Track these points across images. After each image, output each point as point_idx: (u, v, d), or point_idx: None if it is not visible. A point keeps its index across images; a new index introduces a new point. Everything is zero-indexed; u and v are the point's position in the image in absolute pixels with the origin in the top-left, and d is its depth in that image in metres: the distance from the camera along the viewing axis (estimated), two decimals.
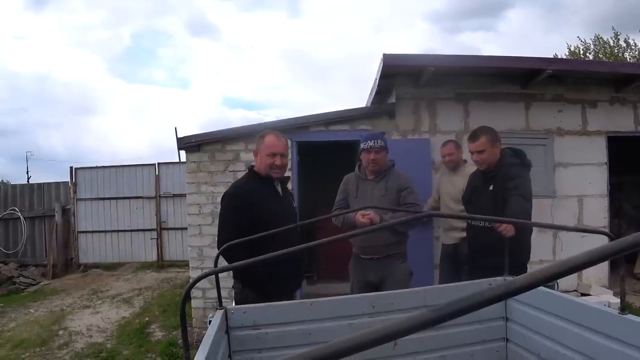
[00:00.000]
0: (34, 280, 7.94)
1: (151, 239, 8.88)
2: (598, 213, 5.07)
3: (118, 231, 8.95)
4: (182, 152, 5.65)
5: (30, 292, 7.34)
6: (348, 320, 1.95)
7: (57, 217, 8.67)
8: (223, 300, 1.92)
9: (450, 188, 3.96)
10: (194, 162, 4.97)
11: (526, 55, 5.36)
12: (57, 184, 9.16)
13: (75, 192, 8.86)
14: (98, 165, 9.40)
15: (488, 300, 0.56)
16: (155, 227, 8.85)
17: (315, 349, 0.50)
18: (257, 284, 2.46)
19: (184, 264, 7.60)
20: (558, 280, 1.44)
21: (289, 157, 3.13)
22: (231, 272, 3.50)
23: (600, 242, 2.19)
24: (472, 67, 4.79)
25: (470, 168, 3.57)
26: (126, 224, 8.97)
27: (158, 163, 9.02)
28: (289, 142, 2.93)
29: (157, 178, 8.91)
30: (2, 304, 6.47)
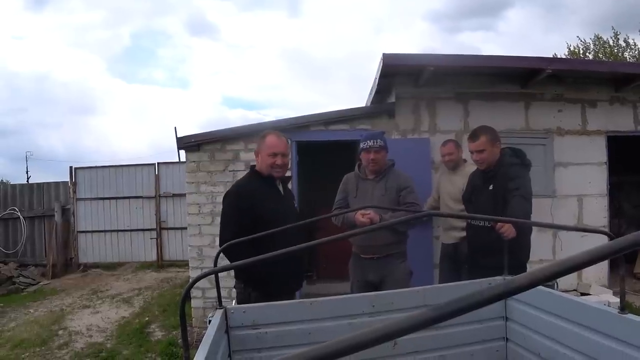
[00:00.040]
0: (34, 280, 7.94)
1: (151, 238, 8.88)
2: (598, 212, 5.07)
3: (118, 231, 8.95)
4: (182, 152, 5.66)
5: (30, 292, 7.34)
6: (348, 320, 1.95)
7: (57, 217, 8.67)
8: (223, 300, 1.92)
9: (450, 187, 3.96)
10: (194, 161, 4.97)
11: (526, 54, 5.38)
12: (57, 183, 9.15)
13: (74, 192, 8.86)
14: (98, 165, 9.41)
15: (488, 300, 0.56)
16: (155, 227, 8.85)
17: (314, 349, 0.50)
18: (259, 283, 2.47)
19: (183, 264, 7.60)
20: (558, 280, 1.44)
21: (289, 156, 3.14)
22: (231, 272, 3.51)
23: (600, 241, 2.18)
24: (472, 66, 4.79)
25: (470, 167, 3.57)
26: (126, 223, 8.97)
27: (158, 163, 9.02)
28: (289, 141, 2.94)
29: (157, 178, 8.91)
30: (1, 304, 6.47)
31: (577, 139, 5.06)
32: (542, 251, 4.54)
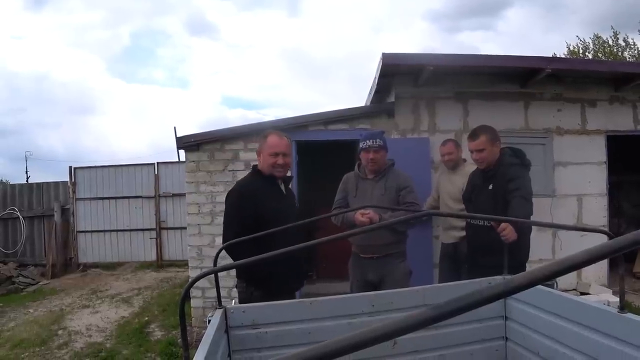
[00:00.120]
0: (33, 280, 7.94)
1: (150, 238, 8.88)
2: (597, 212, 5.07)
3: (117, 231, 8.94)
4: (182, 152, 5.65)
5: (30, 292, 7.34)
6: (347, 320, 1.95)
7: (56, 217, 8.66)
8: (222, 299, 1.92)
9: (449, 187, 3.96)
10: (193, 161, 4.97)
11: (525, 54, 5.36)
12: (56, 183, 9.15)
13: (74, 191, 8.85)
14: (97, 164, 9.40)
15: (487, 299, 0.56)
16: (155, 227, 8.85)
17: (312, 348, 0.50)
18: (261, 282, 2.48)
19: (183, 264, 7.59)
20: (557, 279, 1.44)
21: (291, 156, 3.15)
22: (230, 272, 3.51)
23: (599, 241, 2.18)
24: (471, 66, 4.79)
25: (470, 167, 3.57)
26: (125, 223, 8.96)
27: (157, 162, 9.02)
28: (290, 141, 2.95)
29: (157, 177, 8.91)
30: (1, 304, 6.47)
31: (577, 138, 5.06)
32: (541, 251, 4.54)
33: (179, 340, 4.33)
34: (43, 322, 5.40)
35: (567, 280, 4.92)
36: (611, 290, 4.75)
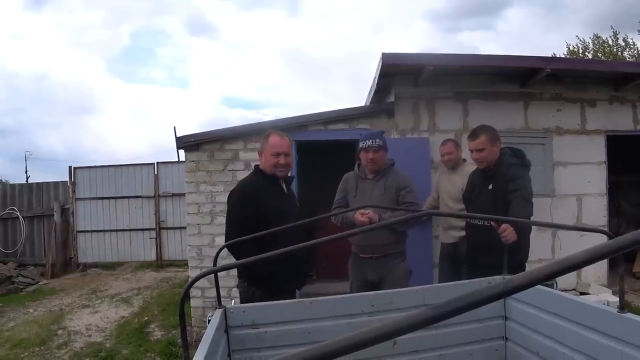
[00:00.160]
0: (33, 279, 7.93)
1: (150, 238, 8.88)
2: (597, 212, 5.07)
3: (117, 231, 8.94)
4: (181, 152, 5.64)
5: (29, 292, 7.33)
6: (347, 320, 1.95)
7: (56, 217, 8.66)
8: (222, 299, 1.92)
9: (449, 187, 3.96)
10: (193, 161, 4.97)
11: (525, 54, 5.36)
12: (56, 183, 9.14)
13: (74, 191, 8.85)
14: (97, 164, 9.40)
15: (487, 299, 0.56)
16: (154, 227, 8.84)
17: (312, 348, 0.50)
18: (262, 282, 2.49)
19: (183, 264, 7.59)
20: (557, 279, 1.44)
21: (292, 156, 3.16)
22: (230, 272, 3.51)
23: (599, 240, 2.19)
24: (471, 66, 4.79)
25: (470, 167, 3.57)
26: (125, 223, 8.96)
27: (157, 162, 9.01)
28: (292, 141, 2.96)
29: (156, 177, 8.91)
30: (1, 304, 6.46)
31: (577, 138, 5.06)
32: (541, 250, 4.54)
33: (178, 340, 4.33)
34: (43, 322, 5.40)
35: (566, 280, 4.92)
36: (611, 290, 4.75)
